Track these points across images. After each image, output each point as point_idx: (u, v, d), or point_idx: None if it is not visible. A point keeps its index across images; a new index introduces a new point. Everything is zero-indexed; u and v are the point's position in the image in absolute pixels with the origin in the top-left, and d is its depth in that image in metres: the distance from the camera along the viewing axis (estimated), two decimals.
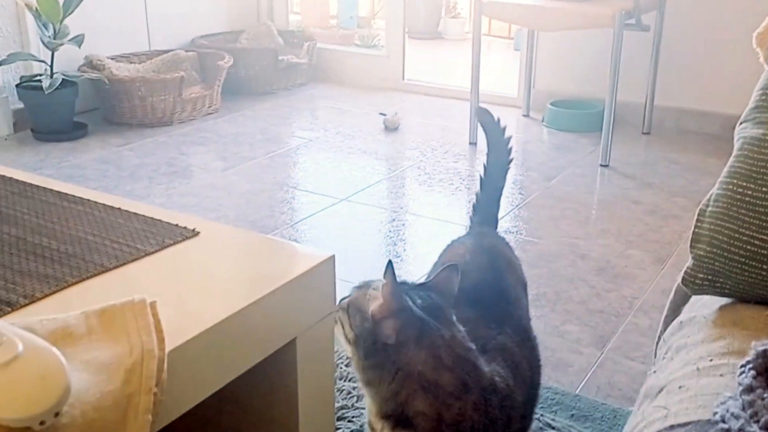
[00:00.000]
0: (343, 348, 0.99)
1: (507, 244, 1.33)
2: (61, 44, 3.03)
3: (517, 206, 2.55)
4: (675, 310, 1.09)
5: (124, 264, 0.94)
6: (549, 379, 1.58)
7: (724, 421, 0.66)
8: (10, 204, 1.10)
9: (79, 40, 3.05)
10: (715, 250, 0.93)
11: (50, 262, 0.93)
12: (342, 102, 3.84)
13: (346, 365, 1.56)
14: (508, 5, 3.01)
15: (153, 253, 0.97)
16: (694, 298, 1.05)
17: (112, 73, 3.27)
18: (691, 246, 0.97)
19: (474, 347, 0.95)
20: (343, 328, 0.97)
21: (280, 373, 0.98)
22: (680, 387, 0.81)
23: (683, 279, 0.99)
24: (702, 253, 0.95)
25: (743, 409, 0.66)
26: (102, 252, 0.96)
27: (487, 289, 1.13)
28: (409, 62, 4.14)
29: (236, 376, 0.87)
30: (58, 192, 1.15)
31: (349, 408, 1.47)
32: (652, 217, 2.47)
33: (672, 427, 0.73)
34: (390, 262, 0.91)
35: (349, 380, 1.54)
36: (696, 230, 0.97)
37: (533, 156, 3.09)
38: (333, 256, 0.98)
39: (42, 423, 0.61)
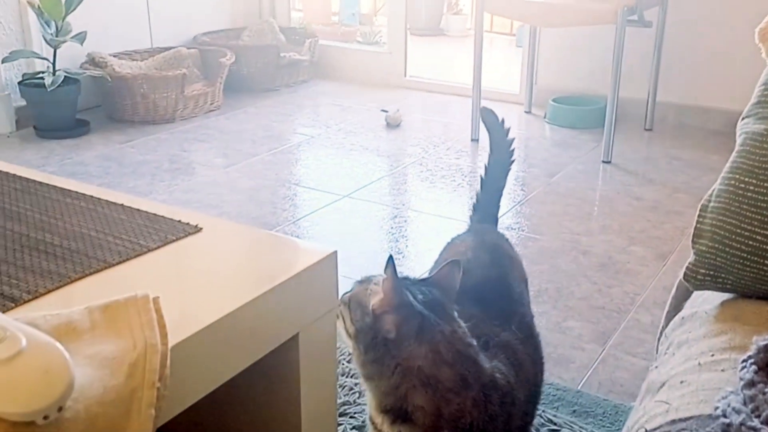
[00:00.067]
0: (345, 342, 0.99)
1: (507, 240, 1.33)
2: (64, 41, 3.03)
3: (519, 203, 2.55)
4: (677, 305, 1.09)
5: (127, 260, 0.94)
6: (551, 375, 1.58)
7: (725, 416, 0.66)
8: (13, 200, 1.11)
9: (81, 38, 3.05)
10: (716, 245, 0.93)
11: (53, 258, 0.93)
12: (344, 99, 3.84)
13: (348, 361, 1.56)
14: (511, 1, 3.01)
15: (156, 249, 0.97)
16: (695, 293, 1.05)
17: (115, 71, 3.27)
18: (692, 241, 0.97)
19: (475, 343, 0.95)
20: (344, 322, 0.98)
21: (282, 369, 0.98)
22: (682, 382, 0.81)
23: (685, 274, 0.99)
24: (704, 248, 0.95)
25: (744, 403, 0.66)
26: (105, 248, 0.96)
27: (491, 287, 1.13)
28: (411, 59, 4.14)
29: (239, 372, 0.87)
30: (61, 188, 1.15)
31: (351, 404, 1.47)
32: (654, 213, 2.47)
33: (673, 421, 0.73)
34: (391, 257, 0.91)
35: (351, 376, 1.55)
36: (698, 225, 0.97)
37: (535, 152, 3.09)
38: (335, 252, 0.98)
39: (46, 417, 0.61)
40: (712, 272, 0.95)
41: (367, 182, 2.72)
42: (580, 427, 1.41)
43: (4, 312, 0.80)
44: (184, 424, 0.88)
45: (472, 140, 3.21)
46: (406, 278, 0.99)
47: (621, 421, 1.43)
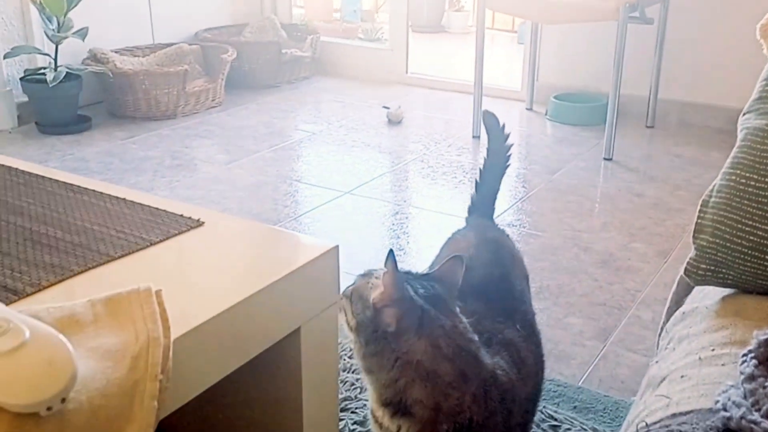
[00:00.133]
0: (347, 335, 0.99)
1: (508, 236, 1.33)
2: (65, 37, 3.03)
3: (520, 199, 2.55)
4: (678, 301, 1.10)
5: (129, 253, 0.94)
6: (552, 371, 1.58)
7: (725, 410, 0.66)
8: (16, 194, 1.11)
9: (83, 34, 3.05)
10: (717, 240, 0.93)
11: (56, 252, 0.93)
12: (345, 95, 3.84)
13: (350, 357, 1.57)
14: None
15: (158, 242, 0.98)
16: (696, 288, 1.05)
17: (116, 67, 3.27)
18: (693, 237, 0.97)
19: (476, 339, 0.96)
20: (345, 315, 0.98)
21: (284, 363, 0.99)
22: (682, 376, 0.81)
23: (686, 270, 0.99)
24: (705, 243, 0.95)
25: (745, 397, 0.67)
26: (107, 241, 0.97)
27: (494, 284, 1.13)
28: (412, 56, 4.13)
29: (240, 366, 0.87)
30: (63, 182, 1.16)
31: (352, 399, 1.48)
32: (655, 210, 2.47)
33: (674, 415, 0.73)
34: (391, 251, 0.91)
35: (353, 372, 1.55)
36: (699, 221, 0.97)
37: (536, 149, 3.09)
38: (337, 247, 0.99)
39: (49, 408, 0.61)
40: (712, 267, 0.95)
41: (368, 179, 2.72)
42: (581, 422, 1.42)
43: (7, 304, 0.80)
44: (187, 418, 0.88)
45: (473, 137, 3.21)
46: (407, 272, 0.99)
47: (621, 417, 1.43)
